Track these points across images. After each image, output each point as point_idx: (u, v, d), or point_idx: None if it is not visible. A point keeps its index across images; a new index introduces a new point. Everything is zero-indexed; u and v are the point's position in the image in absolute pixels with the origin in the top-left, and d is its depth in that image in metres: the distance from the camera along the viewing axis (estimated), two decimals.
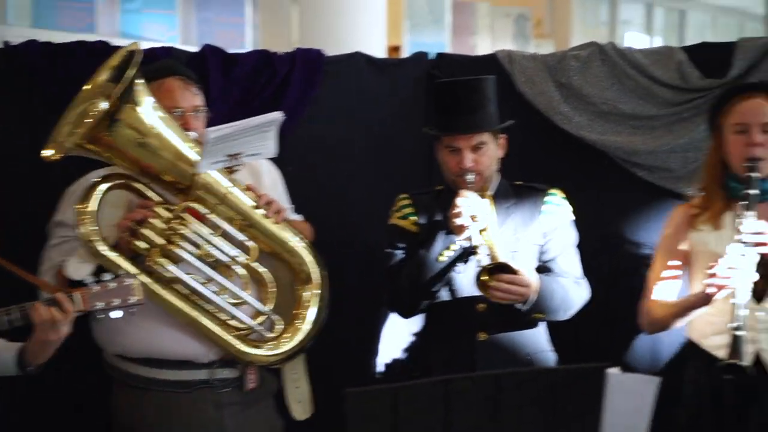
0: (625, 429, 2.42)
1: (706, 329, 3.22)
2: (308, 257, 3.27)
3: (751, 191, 3.10)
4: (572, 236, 3.48)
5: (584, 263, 3.51)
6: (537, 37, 10.72)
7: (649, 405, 2.43)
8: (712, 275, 3.02)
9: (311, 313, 3.27)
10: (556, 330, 3.52)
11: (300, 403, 3.41)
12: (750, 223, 3.04)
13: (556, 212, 3.47)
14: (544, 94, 3.88)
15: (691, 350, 3.30)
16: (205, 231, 3.13)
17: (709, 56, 3.75)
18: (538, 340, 3.44)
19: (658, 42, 13.21)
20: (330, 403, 2.81)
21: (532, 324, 3.42)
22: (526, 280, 3.24)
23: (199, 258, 3.13)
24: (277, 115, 3.12)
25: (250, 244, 3.18)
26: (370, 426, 2.17)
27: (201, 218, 3.14)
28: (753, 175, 3.13)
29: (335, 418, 2.31)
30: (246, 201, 3.18)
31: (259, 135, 3.10)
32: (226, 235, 3.16)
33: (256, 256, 3.19)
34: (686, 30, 13.73)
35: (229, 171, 3.15)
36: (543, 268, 3.42)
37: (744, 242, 3.02)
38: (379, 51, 4.84)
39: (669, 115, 3.77)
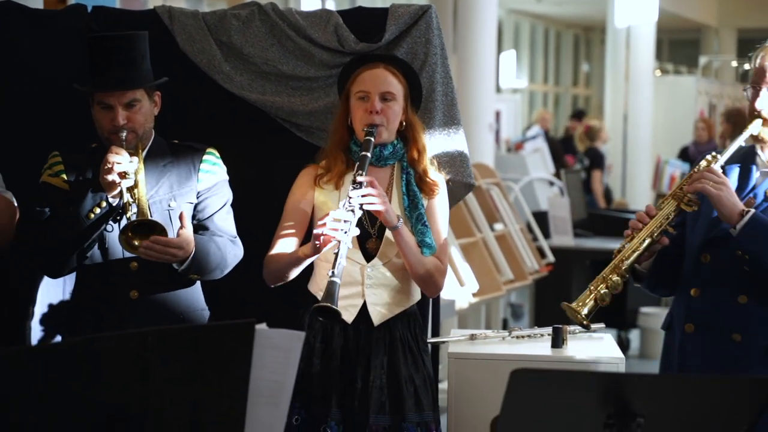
0: (273, 383, 2.48)
1: (323, 283, 3.39)
2: None
3: (365, 153, 3.33)
4: (227, 195, 3.53)
5: (240, 221, 3.56)
6: None
7: (296, 359, 2.49)
8: (322, 225, 3.21)
9: None
10: (211, 288, 3.54)
11: None
12: (360, 184, 3.26)
13: (213, 171, 3.51)
14: (205, 53, 3.85)
15: (310, 301, 3.47)
16: None
17: (364, 21, 3.85)
18: (192, 298, 3.47)
19: (331, 5, 13.46)
20: None
21: (188, 283, 3.43)
22: (180, 241, 3.25)
23: None
24: None
25: None
26: (7, 391, 2.09)
27: None
28: (369, 138, 3.35)
29: None
30: None
31: None
32: None
33: None
34: None
35: None
36: (199, 227, 3.44)
37: (351, 199, 3.23)
38: (36, 2, 4.62)
39: (326, 77, 3.84)
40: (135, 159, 3.32)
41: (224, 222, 3.49)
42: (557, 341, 3.73)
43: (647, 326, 8.64)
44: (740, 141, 3.18)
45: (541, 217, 8.35)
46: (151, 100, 3.43)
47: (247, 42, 3.85)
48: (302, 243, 3.45)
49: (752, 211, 3.08)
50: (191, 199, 3.45)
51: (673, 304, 3.37)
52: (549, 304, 8.21)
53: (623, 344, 8.76)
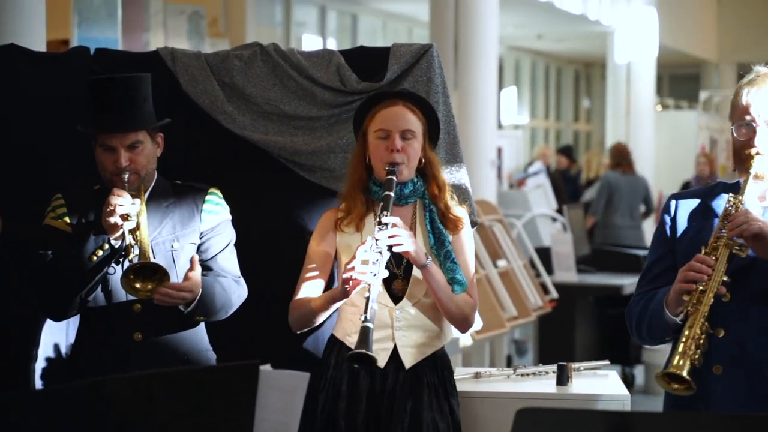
0: (278, 425, 2.46)
1: (349, 327, 3.38)
2: None
3: (388, 193, 3.29)
4: (231, 235, 3.53)
5: (243, 261, 3.55)
6: (212, 36, 10.69)
7: (300, 400, 2.48)
8: (350, 269, 3.17)
9: None
10: (216, 328, 3.53)
11: None
12: (385, 222, 3.22)
13: (215, 211, 3.50)
14: (208, 93, 3.87)
15: (335, 345, 3.44)
16: None
17: (366, 60, 3.87)
18: (196, 339, 3.46)
19: (331, 44, 13.53)
20: None
21: (192, 324, 3.42)
22: (190, 285, 3.25)
23: None
24: None
25: None
26: None
27: None
28: (391, 177, 3.32)
29: None
30: None
31: None
32: None
33: None
34: (358, 33, 14.15)
35: None
36: (202, 267, 3.44)
37: (378, 241, 3.19)
38: (39, 44, 4.64)
39: (329, 116, 3.85)
40: (137, 201, 3.32)
41: (228, 262, 3.49)
42: (562, 378, 3.72)
43: (652, 362, 8.60)
44: (751, 180, 3.07)
45: (544, 253, 8.34)
46: (153, 141, 3.44)
47: (250, 82, 3.87)
48: (326, 287, 3.44)
49: None
50: (194, 239, 3.45)
51: None
52: (553, 341, 8.19)
53: (628, 380, 8.72)
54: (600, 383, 3.76)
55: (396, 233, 3.22)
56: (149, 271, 3.23)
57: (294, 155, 3.85)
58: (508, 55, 19.17)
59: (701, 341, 2.93)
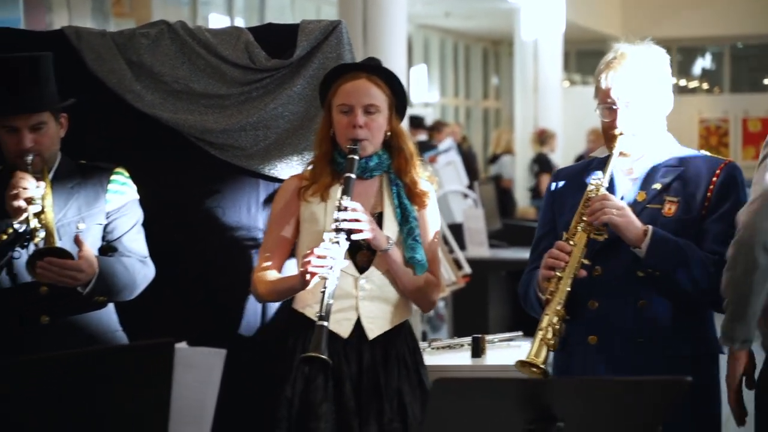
0: (195, 402, 2.46)
1: (308, 298, 3.30)
2: None
3: (349, 174, 3.22)
4: (137, 215, 3.49)
5: (154, 241, 3.51)
6: (117, 16, 10.50)
7: (217, 376, 2.48)
8: (307, 262, 3.11)
9: None
10: (126, 309, 3.50)
11: None
12: (345, 209, 3.15)
13: (121, 191, 3.46)
14: (115, 72, 3.81)
15: (293, 318, 3.38)
16: None
17: (274, 37, 3.84)
18: (106, 320, 3.42)
19: (240, 23, 13.41)
20: None
21: (99, 305, 3.38)
22: (78, 264, 3.18)
23: None
24: None
25: None
26: None
27: None
28: (353, 157, 3.25)
29: None
30: None
31: None
32: None
33: None
34: (266, 12, 14.04)
35: None
36: (108, 248, 3.40)
37: (338, 229, 3.14)
38: None
39: (238, 94, 3.83)
40: (42, 184, 3.28)
41: (134, 243, 3.45)
42: (477, 350, 3.77)
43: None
44: (614, 160, 3.18)
45: (457, 230, 8.40)
46: (57, 122, 3.40)
47: (158, 61, 3.83)
48: (288, 256, 3.39)
49: (650, 228, 3.08)
50: (100, 220, 3.41)
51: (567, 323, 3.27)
52: (467, 315, 8.26)
53: None
54: (513, 354, 3.80)
55: (355, 218, 3.16)
56: (55, 256, 3.18)
57: (204, 134, 3.82)
58: (417, 33, 19.22)
59: (557, 327, 3.04)
